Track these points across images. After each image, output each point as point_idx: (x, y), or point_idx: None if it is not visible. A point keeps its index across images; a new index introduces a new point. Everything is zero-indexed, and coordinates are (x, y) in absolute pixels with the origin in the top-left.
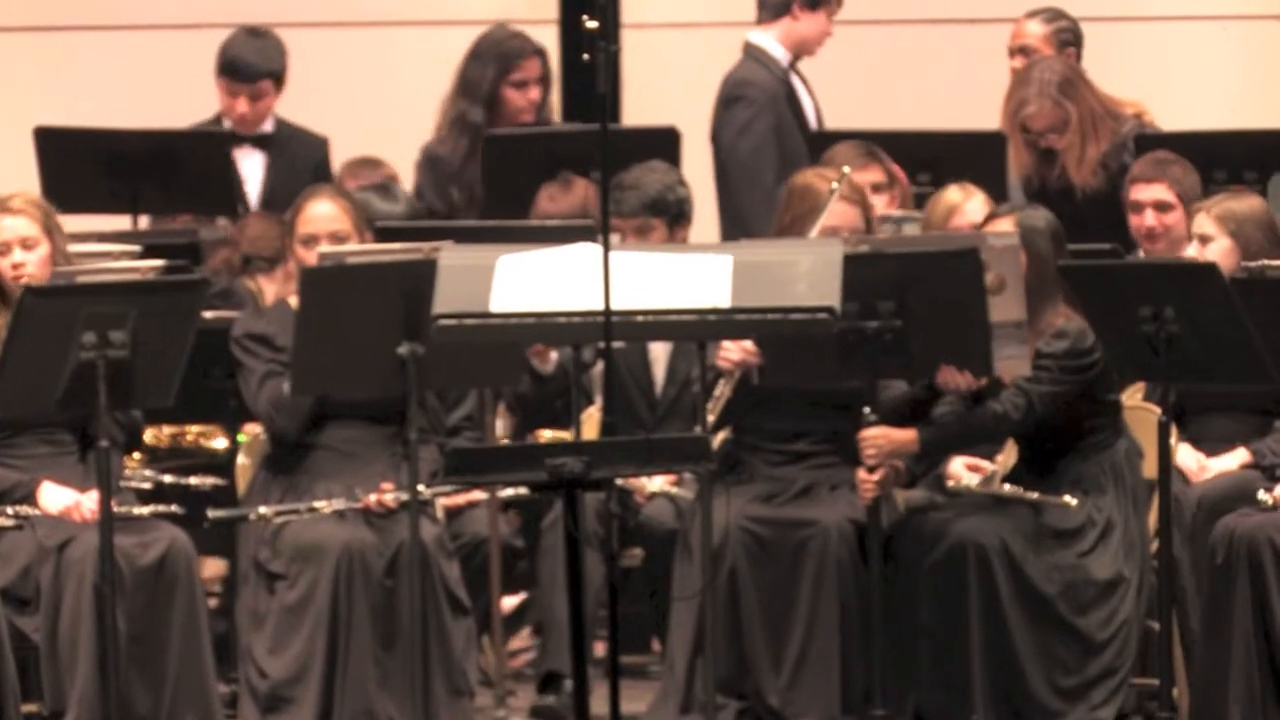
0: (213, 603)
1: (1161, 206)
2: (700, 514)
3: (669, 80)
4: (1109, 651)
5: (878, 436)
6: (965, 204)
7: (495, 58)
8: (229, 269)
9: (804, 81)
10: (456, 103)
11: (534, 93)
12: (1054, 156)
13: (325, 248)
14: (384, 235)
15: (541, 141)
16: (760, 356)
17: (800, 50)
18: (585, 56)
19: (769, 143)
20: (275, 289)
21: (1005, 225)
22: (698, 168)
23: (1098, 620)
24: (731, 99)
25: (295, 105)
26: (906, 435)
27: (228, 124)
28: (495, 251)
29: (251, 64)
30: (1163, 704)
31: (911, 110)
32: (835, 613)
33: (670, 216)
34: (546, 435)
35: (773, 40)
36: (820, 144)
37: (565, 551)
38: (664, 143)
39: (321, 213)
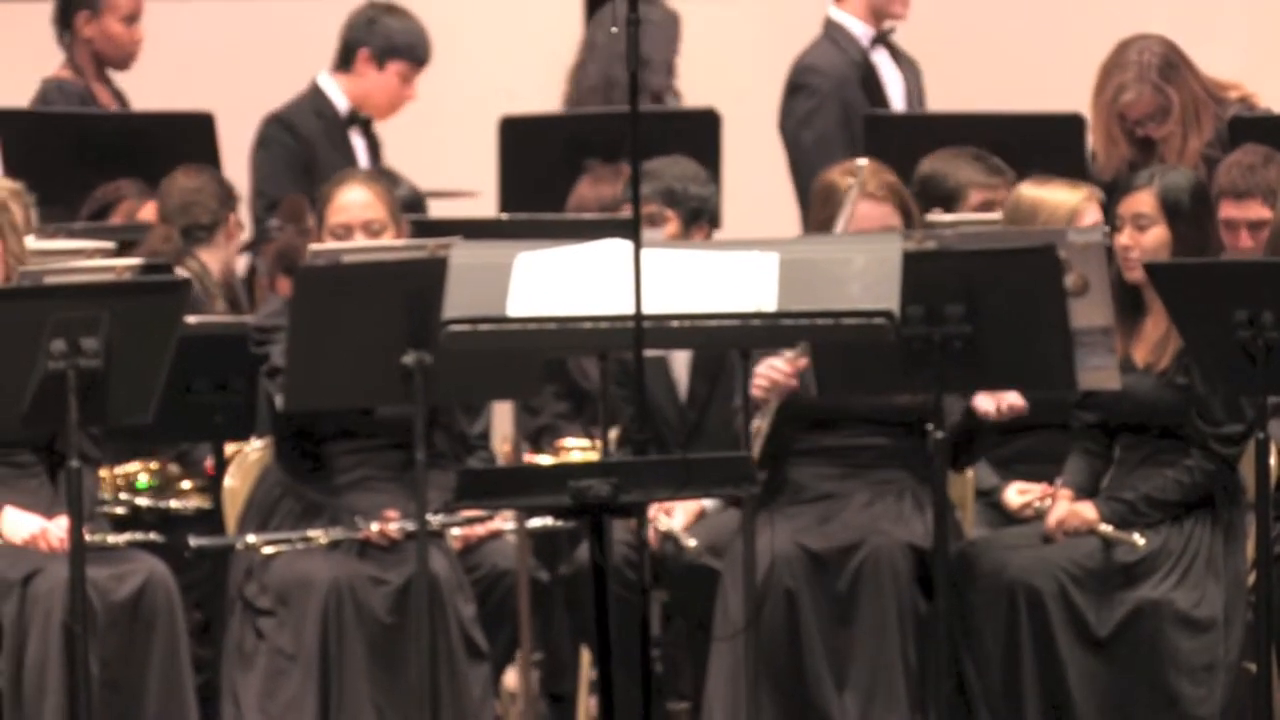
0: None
1: (1257, 226)
2: (743, 543)
3: (707, 57)
4: (1191, 702)
5: (1069, 518)
6: (1089, 207)
7: (671, 26)
8: (172, 251)
9: (898, 57)
10: (610, 66)
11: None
12: (1151, 147)
13: (318, 245)
14: (420, 230)
15: (565, 125)
16: (795, 378)
17: (879, 19)
18: (614, 30)
19: (835, 135)
20: (219, 259)
21: (1145, 199)
22: (739, 150)
23: (1178, 666)
24: (795, 87)
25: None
26: (1088, 516)
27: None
28: (513, 248)
29: (429, 47)
30: None
31: (972, 91)
32: (898, 642)
33: (686, 210)
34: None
35: (849, 15)
36: (878, 129)
37: (593, 586)
38: (703, 126)
39: (354, 200)
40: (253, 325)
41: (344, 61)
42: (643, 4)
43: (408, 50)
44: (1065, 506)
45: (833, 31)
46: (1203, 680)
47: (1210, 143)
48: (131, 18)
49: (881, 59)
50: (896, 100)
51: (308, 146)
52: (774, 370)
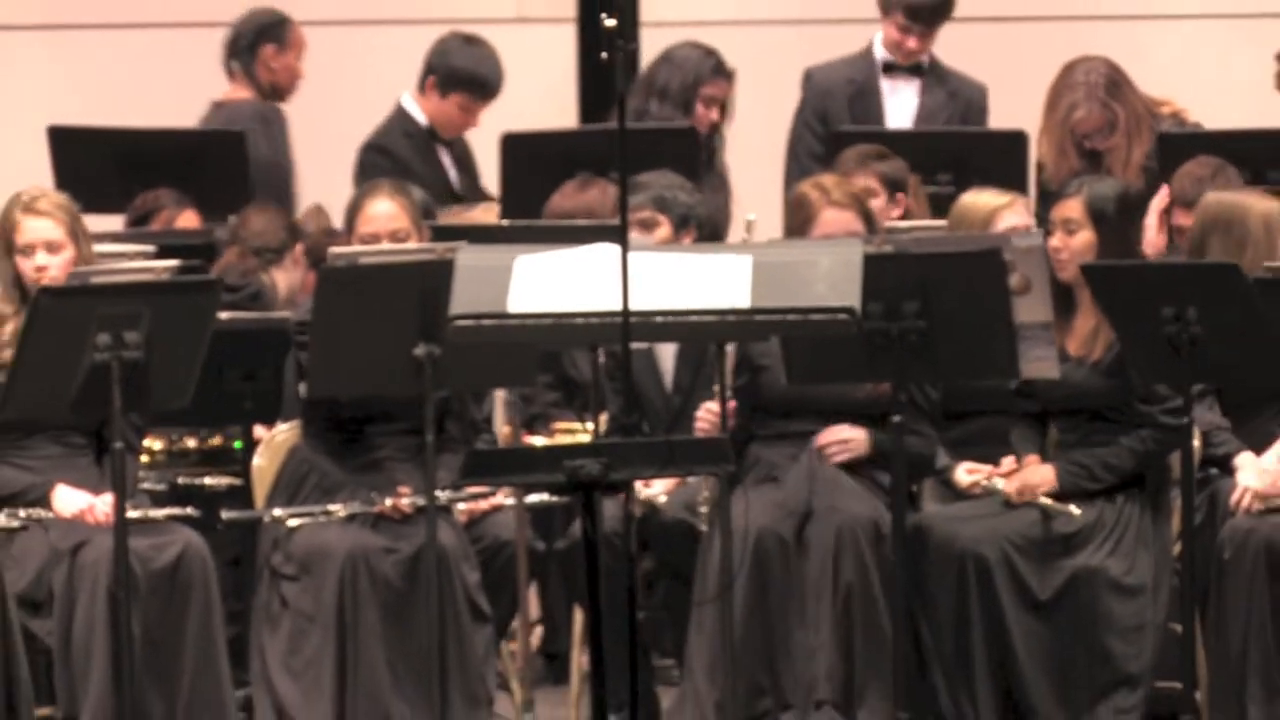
0: None
1: None
2: (719, 517)
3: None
4: (1123, 660)
5: (1030, 477)
6: (1006, 211)
7: (694, 67)
8: (244, 267)
9: (933, 85)
10: (644, 102)
11: (715, 113)
12: (1098, 159)
13: (338, 248)
14: (440, 234)
15: (559, 141)
16: (716, 424)
17: (892, 52)
18: (604, 55)
19: (804, 140)
20: (286, 279)
21: (1074, 206)
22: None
23: (1111, 627)
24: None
25: (314, 105)
26: (1047, 476)
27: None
28: (513, 251)
29: (497, 80)
30: (1184, 708)
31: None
32: (876, 606)
33: (676, 216)
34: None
35: (878, 41)
36: (839, 143)
37: (584, 555)
38: (682, 142)
39: (382, 211)
40: (294, 321)
41: (421, 83)
42: (679, 47)
43: (469, 82)
44: (1035, 470)
45: (862, 50)
46: (1133, 640)
47: (1149, 154)
48: (299, 55)
49: (896, 83)
50: (899, 119)
51: (402, 167)
52: (710, 414)
